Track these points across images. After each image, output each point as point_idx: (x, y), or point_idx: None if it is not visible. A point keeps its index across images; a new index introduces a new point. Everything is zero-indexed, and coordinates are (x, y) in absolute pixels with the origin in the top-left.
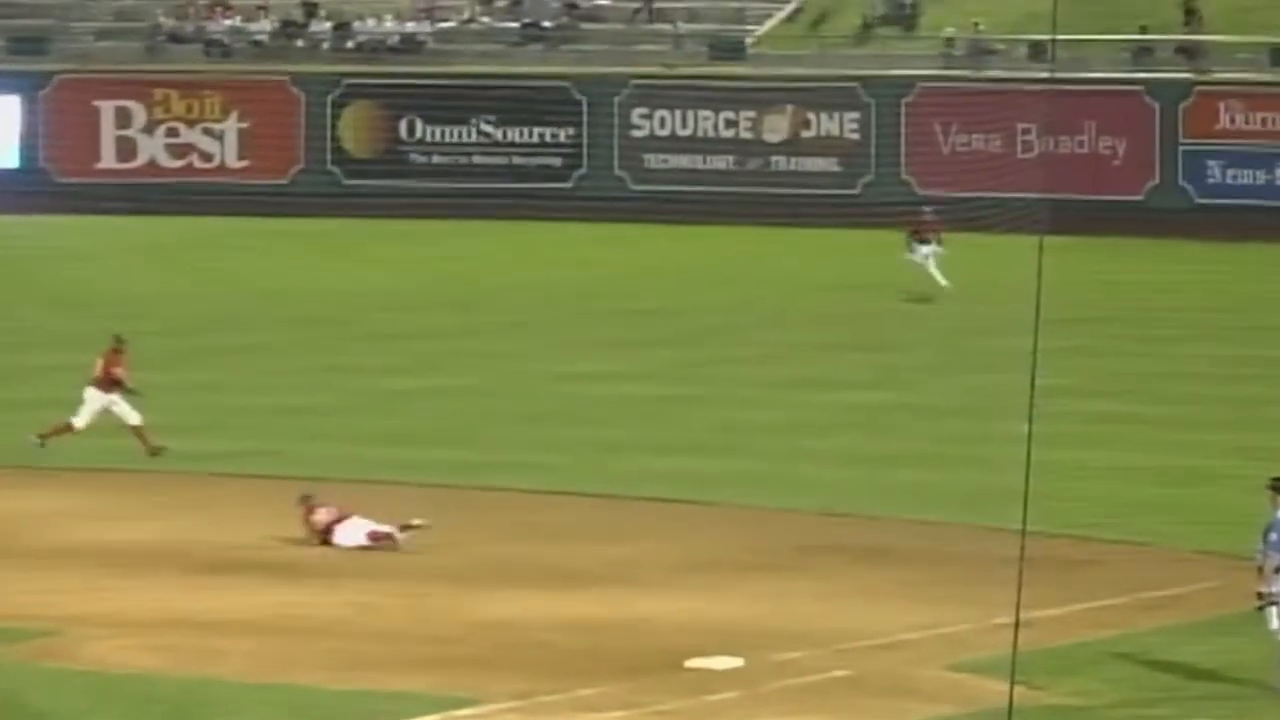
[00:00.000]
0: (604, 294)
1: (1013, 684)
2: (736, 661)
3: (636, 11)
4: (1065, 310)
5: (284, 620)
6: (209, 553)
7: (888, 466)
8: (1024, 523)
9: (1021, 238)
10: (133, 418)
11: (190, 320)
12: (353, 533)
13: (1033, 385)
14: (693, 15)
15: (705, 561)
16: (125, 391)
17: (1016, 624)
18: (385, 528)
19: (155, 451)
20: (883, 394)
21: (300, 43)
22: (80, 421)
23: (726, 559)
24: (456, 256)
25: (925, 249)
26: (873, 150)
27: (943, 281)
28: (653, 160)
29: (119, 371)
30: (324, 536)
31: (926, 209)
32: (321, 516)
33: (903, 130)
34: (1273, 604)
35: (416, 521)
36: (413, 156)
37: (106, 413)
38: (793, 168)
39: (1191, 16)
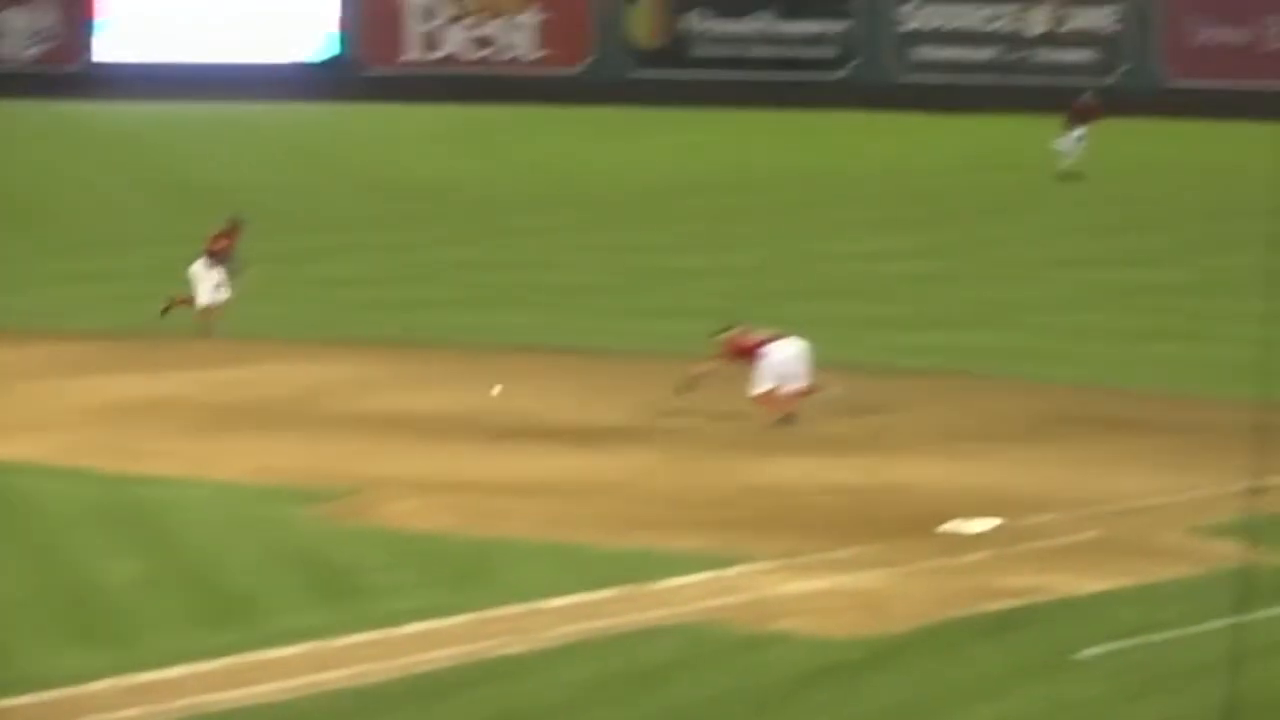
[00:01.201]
0: (875, 178)
1: (1250, 548)
2: (991, 523)
3: None
4: None
5: (569, 483)
6: (498, 420)
7: (1137, 341)
8: (1262, 393)
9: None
10: (205, 294)
11: (488, 202)
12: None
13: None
14: None
15: (964, 430)
16: (227, 266)
17: (1254, 490)
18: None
19: (206, 333)
20: (1133, 271)
21: None
22: (202, 299)
23: (985, 428)
24: (737, 143)
25: (1076, 132)
26: (1127, 43)
27: (1065, 164)
28: (921, 52)
29: (222, 243)
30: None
31: (1088, 92)
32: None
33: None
34: None
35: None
36: (698, 49)
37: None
38: (1053, 59)
39: None
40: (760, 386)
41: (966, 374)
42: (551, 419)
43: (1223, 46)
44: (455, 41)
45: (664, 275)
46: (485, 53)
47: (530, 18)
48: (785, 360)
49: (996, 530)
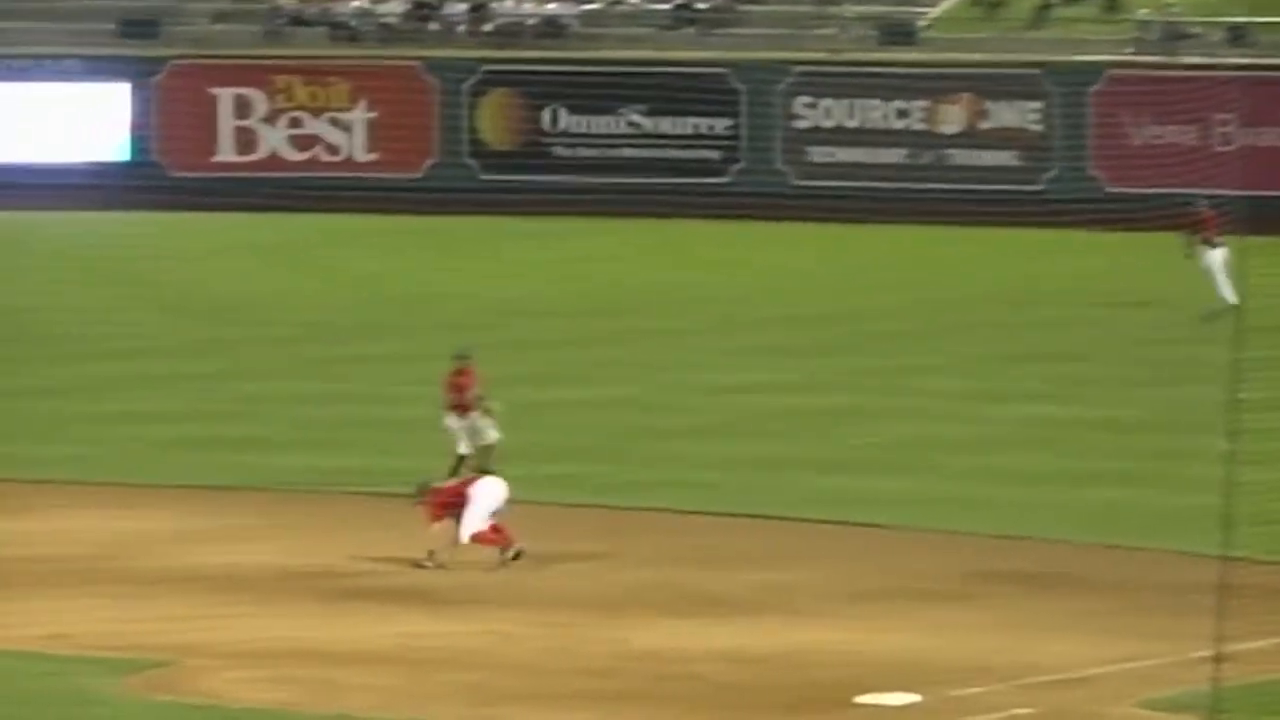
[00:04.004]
0: (765, 298)
1: None
2: (911, 698)
3: None
4: (1269, 317)
5: (418, 651)
6: (334, 578)
7: (1073, 485)
8: (1224, 547)
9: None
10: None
11: (316, 327)
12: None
13: (1235, 399)
14: None
15: (873, 589)
16: (480, 411)
17: (1217, 658)
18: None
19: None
20: (1068, 408)
21: (433, 25)
22: (461, 448)
23: (896, 586)
24: (604, 258)
25: (1216, 252)
26: (1057, 143)
27: (1228, 296)
28: (817, 154)
29: (467, 394)
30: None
31: (1202, 201)
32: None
33: (1089, 121)
34: None
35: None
36: (556, 149)
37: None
38: (970, 161)
39: None
40: (474, 527)
41: (877, 525)
42: (396, 577)
43: (1168, 148)
44: (275, 141)
45: (519, 411)
46: (310, 154)
47: (359, 114)
48: (491, 494)
49: (919, 705)
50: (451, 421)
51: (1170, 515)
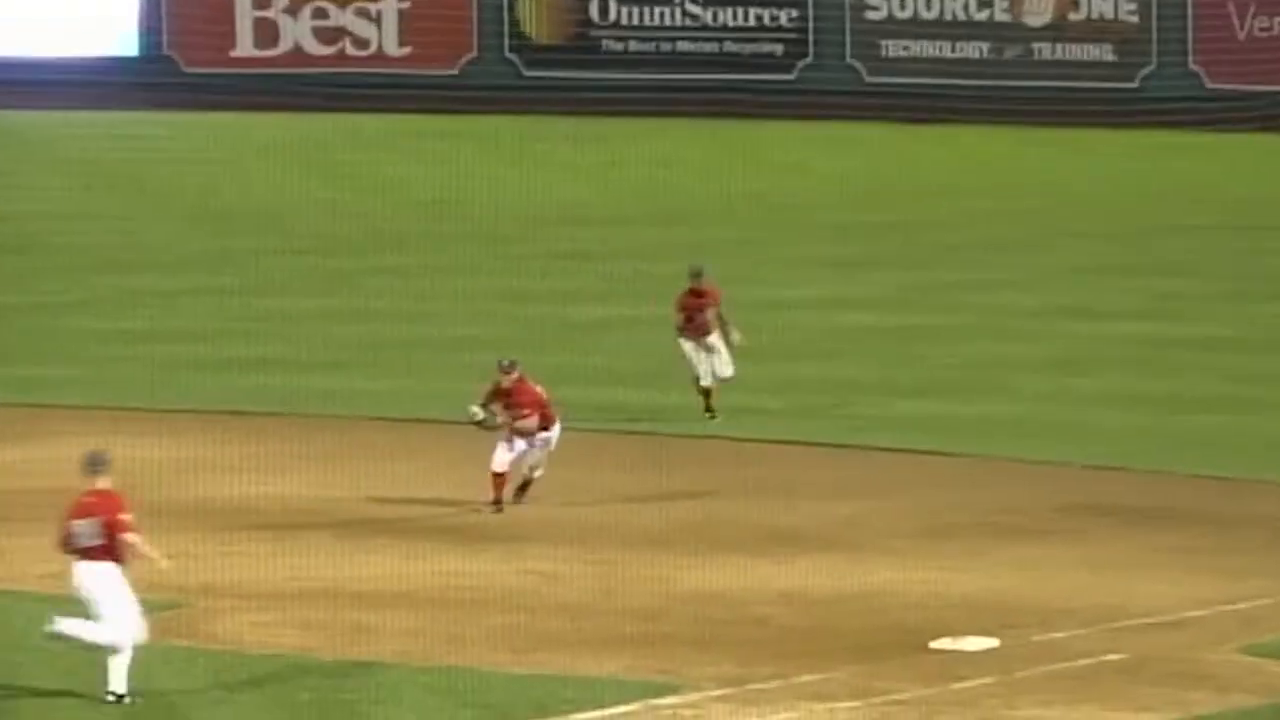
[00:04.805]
0: (832, 206)
1: None
2: (990, 642)
3: None
4: None
5: (452, 591)
6: (362, 511)
7: (1170, 411)
8: None
9: None
10: (705, 375)
11: (340, 238)
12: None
13: None
14: None
15: (951, 524)
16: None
17: None
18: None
19: (711, 413)
20: (1166, 325)
21: None
22: (704, 379)
23: (976, 521)
24: (657, 162)
25: None
26: (1154, 36)
27: None
28: (892, 48)
29: (701, 315)
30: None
31: None
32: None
33: (1190, 11)
34: None
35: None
36: (606, 43)
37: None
38: (1059, 56)
39: None
40: (498, 464)
41: (952, 454)
42: (426, 510)
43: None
44: (298, 33)
45: (565, 329)
46: (336, 48)
47: (390, 4)
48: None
49: (999, 650)
50: (687, 347)
51: (1275, 444)
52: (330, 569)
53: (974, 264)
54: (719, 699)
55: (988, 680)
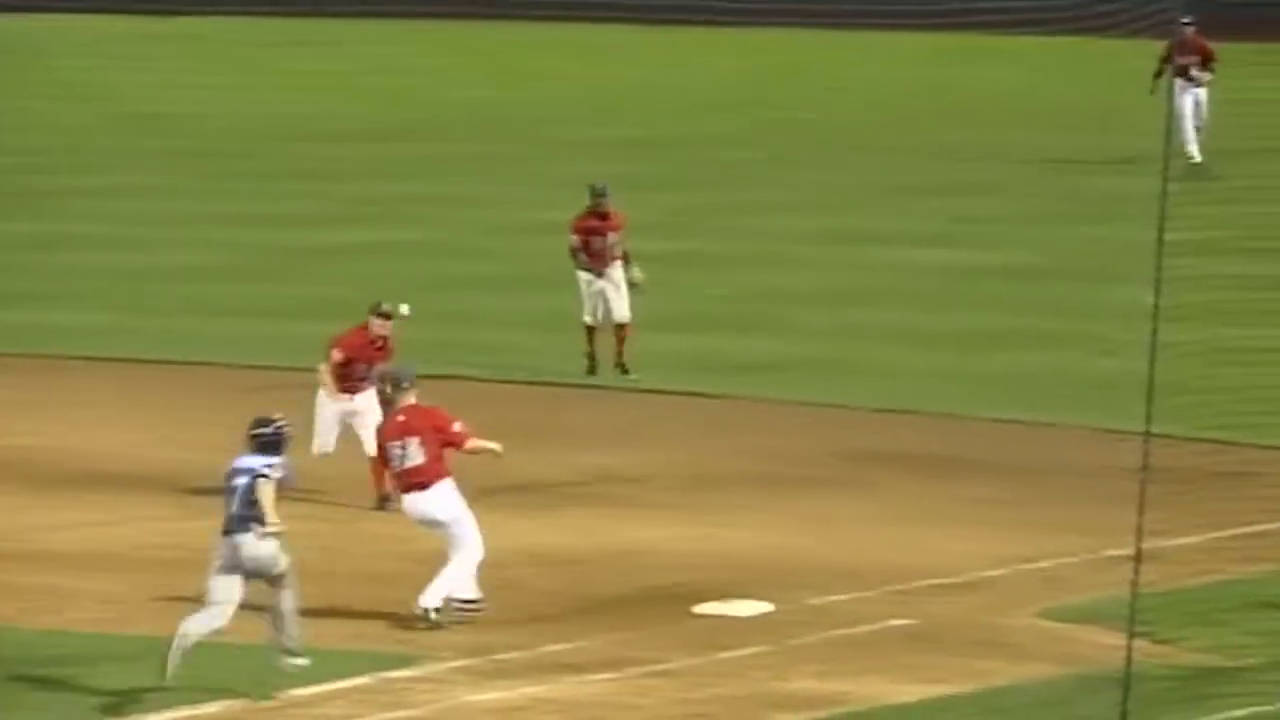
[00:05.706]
0: (583, 118)
1: (1131, 637)
2: (762, 606)
3: None
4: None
5: (159, 551)
6: (61, 459)
7: (968, 348)
8: (1148, 421)
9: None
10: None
11: (28, 157)
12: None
13: (1160, 240)
14: None
15: (720, 475)
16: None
17: (1138, 557)
18: None
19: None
20: (962, 252)
21: None
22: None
23: (748, 471)
24: (393, 69)
25: (1197, 89)
26: None
27: (1194, 151)
28: None
29: (609, 242)
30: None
31: (1185, 20)
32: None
33: None
34: None
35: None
36: None
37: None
38: None
39: None
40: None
41: (722, 395)
42: (126, 458)
43: None
44: None
45: (297, 256)
46: None
47: None
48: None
49: (772, 615)
50: (583, 279)
51: (1086, 384)
52: (20, 521)
53: (749, 183)
54: (458, 670)
55: (759, 649)
